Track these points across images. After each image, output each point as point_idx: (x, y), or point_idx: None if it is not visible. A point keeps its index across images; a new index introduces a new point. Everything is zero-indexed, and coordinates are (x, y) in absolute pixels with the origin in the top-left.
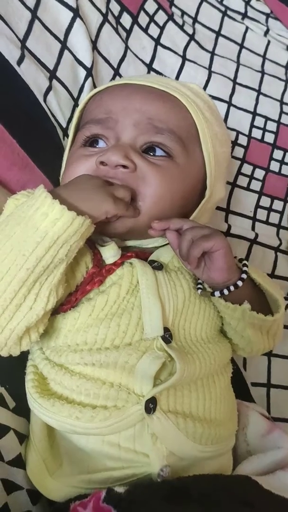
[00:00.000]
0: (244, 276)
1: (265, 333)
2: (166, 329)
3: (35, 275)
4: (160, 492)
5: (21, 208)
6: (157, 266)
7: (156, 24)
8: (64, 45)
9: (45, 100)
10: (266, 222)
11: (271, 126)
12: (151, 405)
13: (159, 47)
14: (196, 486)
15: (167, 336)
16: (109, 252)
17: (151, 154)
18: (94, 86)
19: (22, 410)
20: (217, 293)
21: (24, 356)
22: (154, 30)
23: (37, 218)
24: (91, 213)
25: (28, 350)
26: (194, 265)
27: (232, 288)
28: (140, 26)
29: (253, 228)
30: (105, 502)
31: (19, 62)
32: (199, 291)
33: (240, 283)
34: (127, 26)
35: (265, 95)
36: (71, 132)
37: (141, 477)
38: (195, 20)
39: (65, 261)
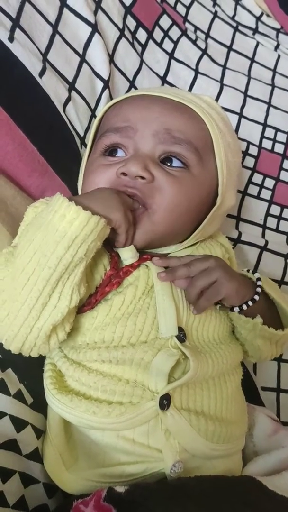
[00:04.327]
0: (259, 290)
1: (274, 343)
2: (180, 329)
3: (57, 274)
4: (160, 493)
5: (40, 215)
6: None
7: (170, 39)
8: (83, 59)
9: (64, 110)
10: (276, 230)
11: (281, 137)
12: (165, 402)
13: (172, 61)
14: (197, 486)
15: (181, 335)
16: (128, 254)
17: (168, 164)
18: (111, 97)
19: (39, 406)
20: (236, 309)
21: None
22: (168, 45)
23: (55, 221)
24: (105, 215)
25: None
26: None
27: (250, 303)
28: (155, 41)
29: (263, 236)
30: (106, 501)
31: (41, 74)
32: (218, 306)
33: (257, 297)
34: (143, 41)
35: (275, 107)
36: (89, 140)
37: (154, 473)
38: (207, 35)
39: (84, 260)
